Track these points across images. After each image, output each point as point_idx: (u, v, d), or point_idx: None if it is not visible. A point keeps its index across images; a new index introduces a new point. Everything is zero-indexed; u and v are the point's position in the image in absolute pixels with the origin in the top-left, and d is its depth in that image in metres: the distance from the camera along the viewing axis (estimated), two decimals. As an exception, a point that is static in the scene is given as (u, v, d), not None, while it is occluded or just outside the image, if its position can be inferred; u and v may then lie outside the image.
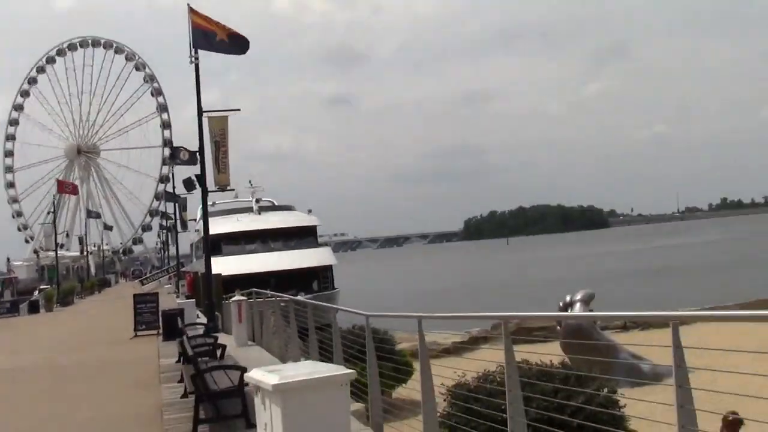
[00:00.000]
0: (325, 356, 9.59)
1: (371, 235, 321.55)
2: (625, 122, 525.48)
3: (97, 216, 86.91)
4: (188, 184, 19.52)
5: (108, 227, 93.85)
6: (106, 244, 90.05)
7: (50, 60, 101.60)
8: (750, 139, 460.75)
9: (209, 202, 22.12)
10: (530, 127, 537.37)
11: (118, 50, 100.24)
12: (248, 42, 17.92)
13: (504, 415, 5.25)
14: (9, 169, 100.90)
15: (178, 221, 50.22)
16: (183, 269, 44.98)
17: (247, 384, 6.42)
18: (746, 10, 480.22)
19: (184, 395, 9.37)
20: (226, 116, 19.76)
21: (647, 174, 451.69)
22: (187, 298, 22.66)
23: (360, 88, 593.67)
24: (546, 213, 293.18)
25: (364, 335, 7.96)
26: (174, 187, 40.48)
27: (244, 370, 6.92)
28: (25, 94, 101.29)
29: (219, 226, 34.04)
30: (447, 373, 6.77)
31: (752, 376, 3.97)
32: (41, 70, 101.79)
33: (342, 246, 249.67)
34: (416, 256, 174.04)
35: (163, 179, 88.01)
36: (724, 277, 42.03)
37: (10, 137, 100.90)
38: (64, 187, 66.41)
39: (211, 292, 18.97)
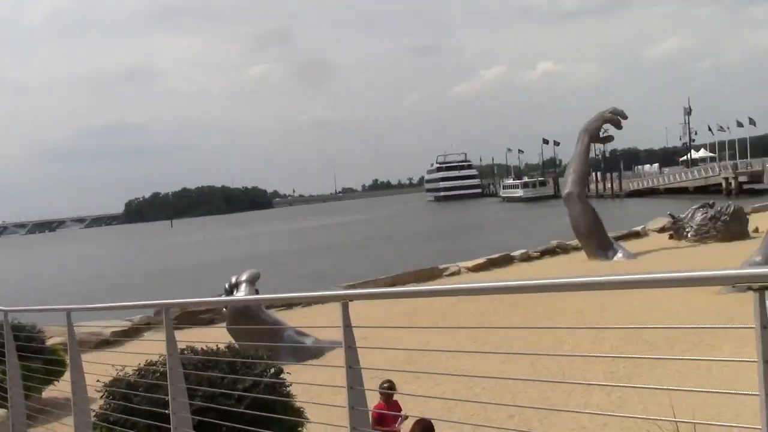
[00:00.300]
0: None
1: (18, 220, 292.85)
2: (288, 105, 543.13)
3: None
4: None
5: None
6: None
7: None
8: (397, 125, 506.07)
9: None
10: (194, 107, 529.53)
11: None
12: None
13: (167, 411, 4.88)
14: None
15: None
16: None
17: None
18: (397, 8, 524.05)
19: None
20: None
21: (308, 156, 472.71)
22: None
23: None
24: (210, 194, 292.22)
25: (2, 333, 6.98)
26: None
27: None
28: None
29: None
30: (104, 367, 6.21)
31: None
32: None
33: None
34: (72, 241, 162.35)
35: None
36: (378, 252, 45.45)
37: None
38: None
39: None
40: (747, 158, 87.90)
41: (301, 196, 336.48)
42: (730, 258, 20.70)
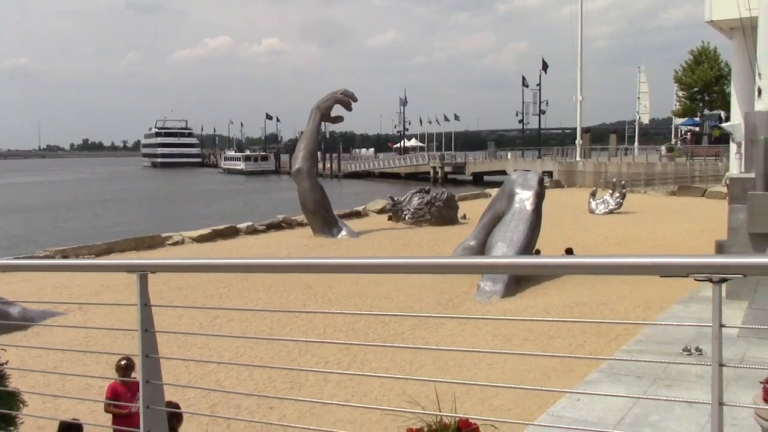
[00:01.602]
0: None
1: None
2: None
3: None
4: None
5: None
6: None
7: None
8: (113, 84, 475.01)
9: None
10: None
11: None
12: None
13: None
14: None
15: None
16: None
17: None
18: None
19: None
20: None
21: (7, 107, 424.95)
22: None
23: None
24: None
25: None
26: None
27: None
28: None
29: None
30: None
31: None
32: None
33: None
34: None
35: None
36: (89, 216, 42.18)
37: None
38: None
39: None
40: (451, 150, 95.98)
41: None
42: (444, 239, 22.32)
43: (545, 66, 71.11)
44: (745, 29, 11.87)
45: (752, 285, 11.28)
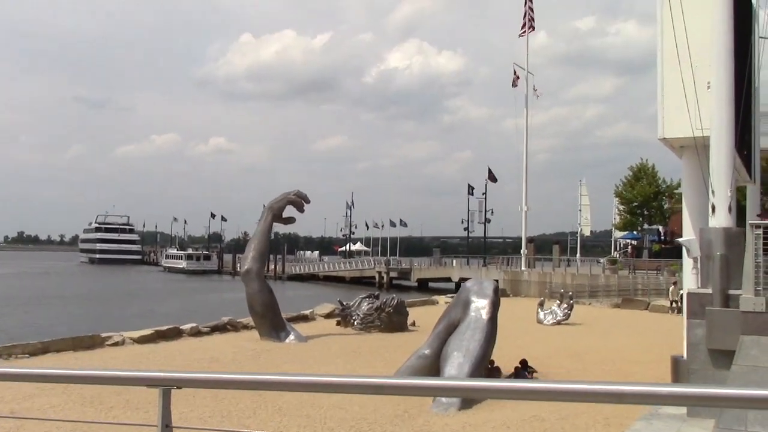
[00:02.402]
0: None
1: None
2: None
3: None
4: None
5: None
6: None
7: None
8: (55, 177, 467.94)
9: None
10: None
11: None
12: None
13: None
14: None
15: None
16: None
17: None
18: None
19: None
20: None
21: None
22: None
23: None
24: None
25: None
26: None
27: None
28: None
29: None
30: None
31: None
32: None
33: None
34: None
35: None
36: (24, 313, 40.41)
37: None
38: None
39: None
40: (396, 255, 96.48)
41: None
42: (395, 347, 21.88)
43: (491, 176, 72.97)
44: (698, 147, 12.26)
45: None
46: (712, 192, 11.72)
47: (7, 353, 18.86)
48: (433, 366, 15.87)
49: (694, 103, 12.39)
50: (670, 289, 34.92)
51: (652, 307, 36.36)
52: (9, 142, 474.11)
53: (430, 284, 72.25)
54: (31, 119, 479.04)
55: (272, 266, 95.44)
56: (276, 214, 25.04)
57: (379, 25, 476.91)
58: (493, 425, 12.21)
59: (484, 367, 15.52)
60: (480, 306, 15.95)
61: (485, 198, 75.09)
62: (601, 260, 60.20)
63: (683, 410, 11.52)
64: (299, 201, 25.25)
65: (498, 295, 16.75)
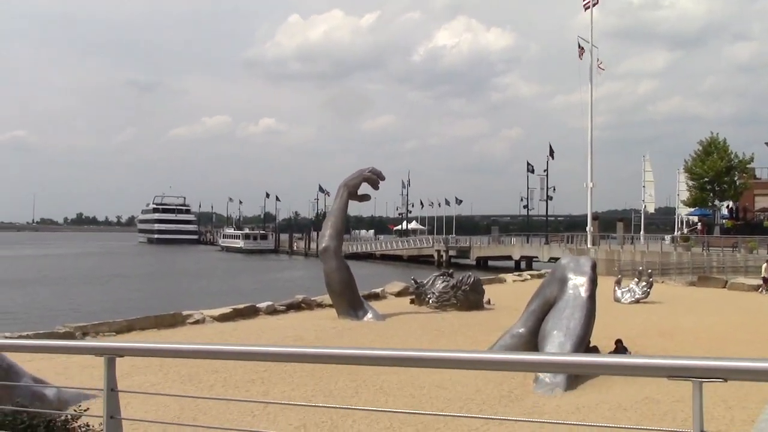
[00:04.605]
0: None
1: None
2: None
3: None
4: None
5: None
6: None
7: None
8: (109, 160, 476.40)
9: None
10: None
11: None
12: None
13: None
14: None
15: None
16: None
17: None
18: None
19: None
20: None
21: (3, 180, 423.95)
22: None
23: None
24: None
25: None
26: None
27: None
28: None
29: None
30: None
31: None
32: None
33: None
34: None
35: None
36: (96, 291, 41.14)
37: None
38: None
39: None
40: (452, 234, 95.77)
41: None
42: (477, 325, 21.46)
43: (552, 152, 71.64)
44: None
45: None
46: None
47: (94, 331, 19.01)
48: (529, 345, 15.40)
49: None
50: (763, 266, 33.66)
51: (730, 285, 35.12)
52: (65, 127, 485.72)
53: (490, 263, 71.50)
54: (84, 104, 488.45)
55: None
56: (351, 192, 24.70)
57: (426, 4, 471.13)
58: (608, 407, 11.68)
59: (585, 346, 14.98)
60: (578, 283, 15.39)
61: (546, 175, 73.85)
62: (666, 237, 58.69)
63: (817, 393, 10.81)
64: (374, 178, 24.87)
65: (596, 272, 16.13)
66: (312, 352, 3.30)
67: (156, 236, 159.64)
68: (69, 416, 4.71)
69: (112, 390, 2.77)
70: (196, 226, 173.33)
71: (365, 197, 25.90)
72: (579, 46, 54.41)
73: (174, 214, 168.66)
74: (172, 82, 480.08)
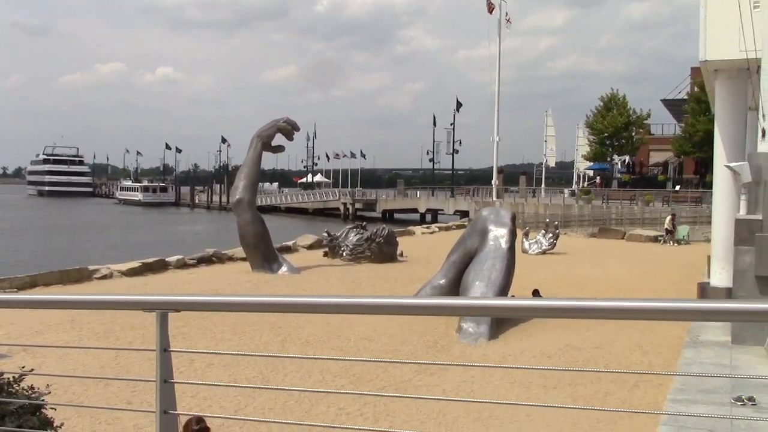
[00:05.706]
0: None
1: None
2: None
3: None
4: None
5: None
6: None
7: None
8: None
9: None
10: None
11: None
12: None
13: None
14: None
15: None
16: None
17: None
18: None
19: None
20: None
21: None
22: None
23: None
24: None
25: None
26: None
27: None
28: None
29: None
30: None
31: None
32: None
33: None
34: None
35: None
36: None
37: None
38: None
39: None
40: (357, 187, 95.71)
41: None
42: (392, 277, 21.54)
43: (459, 105, 72.28)
44: (750, 70, 11.84)
45: (757, 329, 11.05)
46: (763, 116, 11.34)
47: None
48: (450, 295, 15.54)
49: (738, 25, 11.89)
50: (667, 219, 35.24)
51: (629, 236, 36.69)
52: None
53: (396, 216, 72.02)
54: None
55: (225, 197, 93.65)
56: (265, 143, 24.07)
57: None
58: (532, 354, 11.94)
59: (506, 296, 15.23)
60: (499, 235, 15.57)
61: (453, 128, 74.53)
62: (565, 191, 60.62)
63: (727, 338, 11.37)
64: (289, 128, 24.31)
65: (515, 223, 16.37)
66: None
67: (47, 188, 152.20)
68: (10, 378, 4.29)
69: (164, 350, 2.56)
70: (90, 178, 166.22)
71: (279, 148, 25.34)
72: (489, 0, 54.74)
73: (66, 165, 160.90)
74: (62, 26, 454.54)
